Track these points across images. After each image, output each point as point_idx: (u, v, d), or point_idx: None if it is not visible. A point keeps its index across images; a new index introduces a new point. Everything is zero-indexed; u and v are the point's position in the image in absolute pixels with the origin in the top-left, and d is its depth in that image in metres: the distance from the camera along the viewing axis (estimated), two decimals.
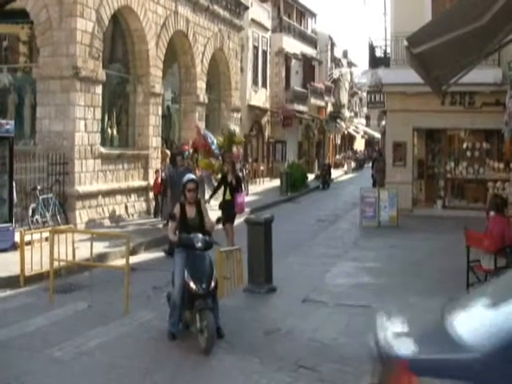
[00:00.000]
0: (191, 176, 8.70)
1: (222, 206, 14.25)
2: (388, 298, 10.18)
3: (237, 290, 10.19)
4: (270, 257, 10.44)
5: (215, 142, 19.49)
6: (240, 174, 18.57)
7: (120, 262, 12.96)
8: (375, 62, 22.74)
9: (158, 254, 14.17)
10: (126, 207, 18.45)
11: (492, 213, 12.97)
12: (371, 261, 13.43)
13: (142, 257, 13.99)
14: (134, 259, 13.27)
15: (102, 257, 12.67)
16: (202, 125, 23.25)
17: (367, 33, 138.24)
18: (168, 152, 19.51)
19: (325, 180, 36.17)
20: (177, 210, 8.21)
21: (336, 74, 49.77)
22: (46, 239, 11.85)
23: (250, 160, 33.29)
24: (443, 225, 18.76)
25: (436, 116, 20.84)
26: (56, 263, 10.72)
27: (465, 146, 21.69)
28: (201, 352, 7.41)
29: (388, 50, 23.54)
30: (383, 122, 69.33)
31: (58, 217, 15.15)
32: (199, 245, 7.84)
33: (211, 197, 14.92)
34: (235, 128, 21.37)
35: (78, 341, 7.95)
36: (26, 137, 17.28)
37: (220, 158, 18.91)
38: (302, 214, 22.49)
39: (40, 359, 7.29)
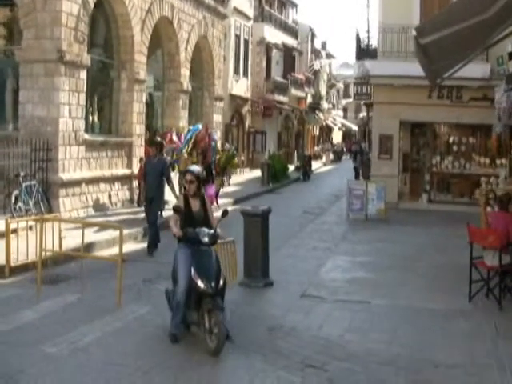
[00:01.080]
0: (192, 167, 8.24)
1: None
2: (386, 294, 10.02)
3: (231, 284, 9.86)
4: (266, 250, 10.16)
5: (214, 147, 19.26)
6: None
7: (106, 252, 12.69)
8: (361, 53, 22.51)
9: (145, 244, 13.75)
10: (110, 196, 18.00)
11: (489, 209, 12.93)
12: (363, 255, 13.23)
13: (129, 247, 13.50)
14: (126, 248, 12.95)
15: (88, 247, 12.19)
16: (185, 113, 22.85)
17: (347, 24, 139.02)
18: (159, 140, 18.95)
19: (305, 171, 35.97)
20: (181, 202, 7.80)
21: (317, 65, 49.54)
22: (30, 228, 11.45)
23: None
24: (430, 219, 18.75)
25: (423, 109, 20.68)
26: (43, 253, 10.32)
27: (451, 140, 21.58)
28: (208, 353, 7.03)
29: (372, 42, 23.40)
30: (361, 115, 70.11)
31: (41, 204, 14.68)
32: (206, 239, 7.40)
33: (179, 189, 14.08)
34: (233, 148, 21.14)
35: (72, 336, 7.57)
36: (7, 121, 16.71)
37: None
38: (286, 205, 22.22)
39: (34, 355, 6.89)
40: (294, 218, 18.98)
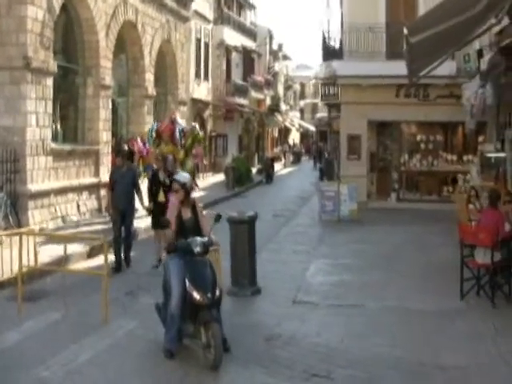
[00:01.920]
0: (178, 176, 7.92)
1: (152, 210, 12.36)
2: (376, 296, 9.90)
3: None
4: (253, 257, 9.94)
5: (180, 130, 18.45)
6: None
7: (81, 265, 12.28)
8: (328, 54, 22.47)
9: None
10: (78, 206, 17.51)
11: (471, 206, 12.93)
12: (344, 257, 13.10)
13: (101, 259, 13.12)
14: (94, 262, 12.57)
15: (61, 260, 11.75)
16: (150, 119, 22.44)
17: (303, 26, 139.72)
18: (126, 149, 18.46)
19: (268, 174, 35.91)
20: (170, 212, 7.51)
21: (277, 67, 49.49)
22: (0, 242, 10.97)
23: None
24: (401, 217, 18.79)
25: (391, 108, 20.75)
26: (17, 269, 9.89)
27: (418, 138, 21.68)
28: (207, 367, 6.77)
29: (334, 42, 23.36)
30: (318, 115, 70.33)
31: (10, 217, 14.14)
32: (198, 249, 7.12)
33: (150, 200, 12.55)
34: (197, 126, 20.45)
35: (64, 356, 7.22)
36: None
37: (181, 148, 18.05)
38: (255, 209, 21.48)
39: (26, 381, 6.53)
40: (266, 222, 18.69)
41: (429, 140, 21.56)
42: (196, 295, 6.87)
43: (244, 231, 9.71)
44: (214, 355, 6.68)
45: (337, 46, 22.66)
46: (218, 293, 7.01)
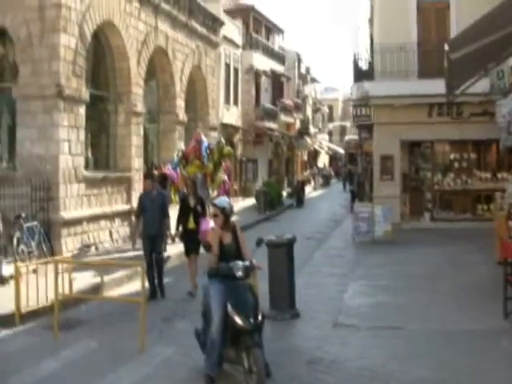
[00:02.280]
0: (218, 200, 7.80)
1: (183, 236, 12.21)
2: (417, 317, 9.63)
3: None
4: (292, 280, 9.77)
5: (206, 147, 18.40)
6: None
7: (115, 292, 12.13)
8: (359, 75, 22.32)
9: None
10: (111, 233, 17.51)
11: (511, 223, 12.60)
12: (382, 278, 12.84)
13: (136, 286, 13.01)
14: (129, 288, 12.47)
15: (95, 288, 11.66)
16: (181, 145, 22.45)
17: (330, 49, 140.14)
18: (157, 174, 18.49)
19: (299, 197, 35.74)
20: (211, 237, 7.39)
21: (307, 90, 49.46)
22: (34, 271, 10.91)
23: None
24: (436, 237, 18.53)
25: (424, 128, 20.47)
26: (52, 297, 9.82)
27: (452, 156, 21.37)
28: None
29: (363, 64, 23.22)
30: (346, 137, 70.14)
31: (44, 246, 14.14)
32: (240, 273, 6.98)
33: (177, 227, 12.31)
34: (222, 139, 20.44)
35: None
36: (2, 160, 16.24)
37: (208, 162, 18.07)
38: (287, 232, 21.69)
39: None
40: (300, 245, 18.19)
41: (462, 158, 21.25)
42: (238, 320, 6.70)
43: (282, 254, 9.59)
44: (256, 381, 6.48)
45: (365, 66, 22.56)
46: (260, 317, 6.83)
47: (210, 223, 11.91)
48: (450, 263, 14.27)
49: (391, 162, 21.00)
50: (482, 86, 18.84)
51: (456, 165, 21.26)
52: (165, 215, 12.16)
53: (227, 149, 19.60)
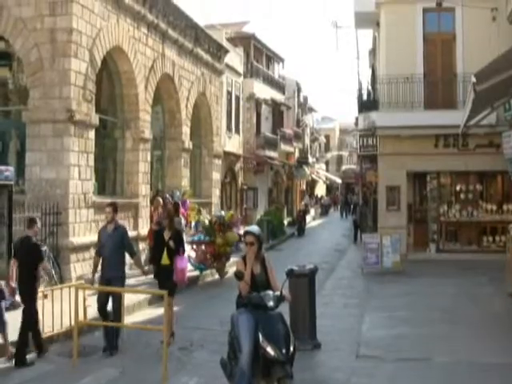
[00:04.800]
0: (251, 227, 7.74)
1: (156, 274, 11.03)
2: (443, 349, 9.53)
3: None
4: (313, 310, 9.70)
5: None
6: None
7: (128, 319, 11.94)
8: (363, 106, 22.45)
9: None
10: None
11: None
12: (398, 309, 12.79)
13: (149, 313, 12.91)
14: (142, 315, 12.37)
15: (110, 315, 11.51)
16: (187, 172, 22.38)
17: (326, 78, 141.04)
18: (160, 200, 18.42)
19: (300, 226, 35.70)
20: (241, 265, 7.31)
21: (308, 119, 49.59)
22: (46, 296, 10.76)
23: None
24: (444, 268, 18.54)
25: (430, 159, 20.57)
26: (67, 323, 9.70)
27: (458, 188, 21.40)
28: None
29: (363, 93, 23.34)
30: (343, 167, 70.26)
31: (53, 271, 13.96)
32: (271, 304, 6.90)
33: (150, 261, 11.51)
34: (221, 211, 20.55)
35: None
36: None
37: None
38: (292, 262, 21.51)
39: None
40: None
41: (468, 190, 21.31)
42: (270, 351, 6.59)
43: (304, 284, 9.56)
44: None
45: (366, 97, 22.67)
46: (292, 348, 6.72)
47: (186, 261, 11.34)
48: (463, 295, 14.22)
49: (397, 192, 21.03)
50: (488, 117, 19.10)
51: (462, 196, 21.31)
52: (129, 252, 10.51)
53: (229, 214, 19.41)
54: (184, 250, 11.20)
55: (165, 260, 10.74)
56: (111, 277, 10.12)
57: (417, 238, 21.86)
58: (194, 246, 18.12)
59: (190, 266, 17.80)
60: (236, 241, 17.88)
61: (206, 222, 18.24)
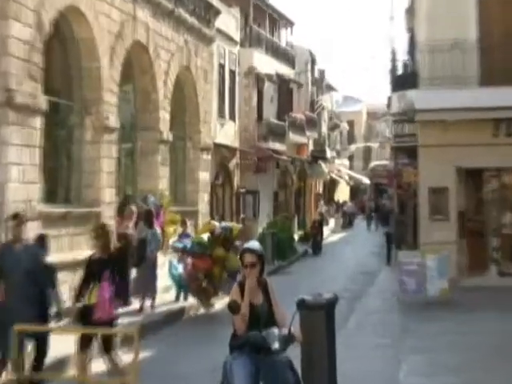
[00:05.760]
0: (251, 244, 7.69)
1: (78, 317, 10.34)
2: None
3: None
4: (333, 352, 9.61)
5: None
6: None
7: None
8: (398, 82, 22.40)
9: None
10: (72, 289, 17.25)
11: None
12: (441, 352, 12.84)
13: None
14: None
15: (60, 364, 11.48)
16: (166, 171, 22.40)
17: (355, 47, 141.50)
18: (134, 210, 18.41)
19: (316, 242, 35.78)
20: (237, 295, 7.26)
21: (325, 101, 49.46)
22: None
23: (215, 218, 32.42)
24: (510, 298, 18.27)
25: (487, 151, 20.44)
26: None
27: None
28: None
29: (398, 67, 23.35)
30: (372, 164, 70.28)
31: None
32: (276, 346, 6.88)
33: (76, 299, 10.37)
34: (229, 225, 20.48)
35: None
36: None
37: None
38: (305, 290, 21.60)
39: None
40: None
41: None
42: None
43: (321, 319, 9.44)
44: None
45: (402, 71, 22.66)
46: None
47: (108, 292, 10.42)
48: None
49: (444, 196, 20.98)
50: None
51: None
52: (45, 284, 10.22)
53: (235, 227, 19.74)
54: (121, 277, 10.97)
55: (92, 298, 10.21)
56: (28, 317, 9.44)
57: (472, 257, 21.79)
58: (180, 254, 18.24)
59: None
60: (236, 270, 17.47)
61: (205, 238, 18.12)
